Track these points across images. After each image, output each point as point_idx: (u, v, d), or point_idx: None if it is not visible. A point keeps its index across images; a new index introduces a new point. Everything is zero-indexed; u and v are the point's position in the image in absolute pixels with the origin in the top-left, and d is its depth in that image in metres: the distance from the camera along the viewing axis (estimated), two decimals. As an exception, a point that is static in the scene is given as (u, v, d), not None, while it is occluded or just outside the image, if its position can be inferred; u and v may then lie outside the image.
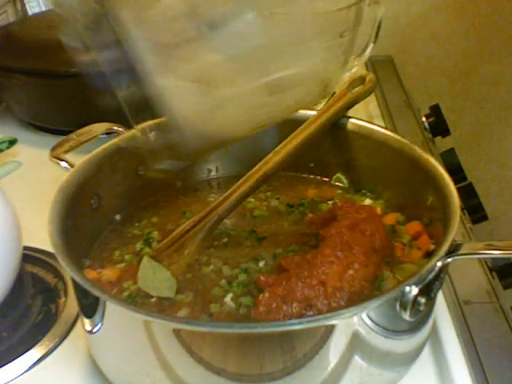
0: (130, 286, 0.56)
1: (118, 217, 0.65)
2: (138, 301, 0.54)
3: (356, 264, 0.52)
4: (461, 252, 0.50)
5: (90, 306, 0.50)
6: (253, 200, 0.67)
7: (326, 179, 0.71)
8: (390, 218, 0.62)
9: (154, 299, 0.54)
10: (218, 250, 0.60)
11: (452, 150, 1.03)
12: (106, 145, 0.64)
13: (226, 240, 0.61)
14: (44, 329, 0.62)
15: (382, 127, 0.67)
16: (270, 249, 0.59)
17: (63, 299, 0.66)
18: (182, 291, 0.55)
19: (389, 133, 0.65)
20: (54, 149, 0.64)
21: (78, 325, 0.62)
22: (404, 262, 0.57)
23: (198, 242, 0.59)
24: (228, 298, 0.54)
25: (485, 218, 0.93)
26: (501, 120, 1.18)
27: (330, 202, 0.67)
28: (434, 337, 0.59)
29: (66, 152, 0.64)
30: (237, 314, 0.52)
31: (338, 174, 0.70)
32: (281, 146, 0.63)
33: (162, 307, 0.53)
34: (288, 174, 0.71)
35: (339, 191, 0.69)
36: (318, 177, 0.72)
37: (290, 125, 0.64)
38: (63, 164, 0.62)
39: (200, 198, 0.70)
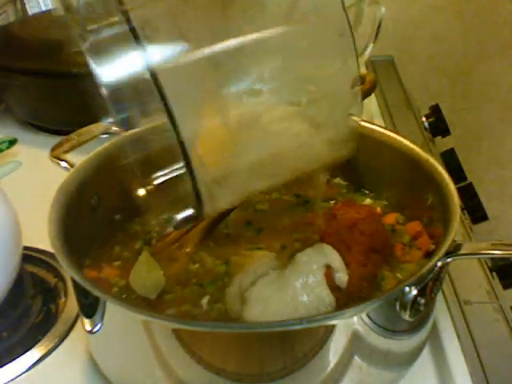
0: (118, 282, 0.56)
1: (117, 216, 0.65)
2: (124, 296, 0.54)
3: (354, 264, 0.52)
4: (461, 252, 0.50)
5: (90, 306, 0.50)
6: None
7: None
8: (390, 218, 0.62)
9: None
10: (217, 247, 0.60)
11: (452, 150, 1.03)
12: (106, 145, 0.64)
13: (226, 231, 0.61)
14: (44, 329, 0.62)
15: (382, 127, 0.67)
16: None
17: (63, 299, 0.66)
18: (168, 290, 0.55)
19: (389, 133, 0.65)
20: (53, 149, 0.64)
21: (78, 325, 0.62)
22: (404, 261, 0.57)
23: (198, 241, 0.59)
24: (205, 300, 0.53)
25: (485, 217, 0.93)
26: (501, 120, 1.18)
27: (331, 202, 0.67)
28: (434, 337, 0.59)
29: (66, 152, 0.64)
30: (220, 312, 0.52)
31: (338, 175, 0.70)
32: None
33: (150, 303, 0.53)
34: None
35: (341, 190, 0.69)
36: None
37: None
38: (63, 164, 0.62)
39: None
